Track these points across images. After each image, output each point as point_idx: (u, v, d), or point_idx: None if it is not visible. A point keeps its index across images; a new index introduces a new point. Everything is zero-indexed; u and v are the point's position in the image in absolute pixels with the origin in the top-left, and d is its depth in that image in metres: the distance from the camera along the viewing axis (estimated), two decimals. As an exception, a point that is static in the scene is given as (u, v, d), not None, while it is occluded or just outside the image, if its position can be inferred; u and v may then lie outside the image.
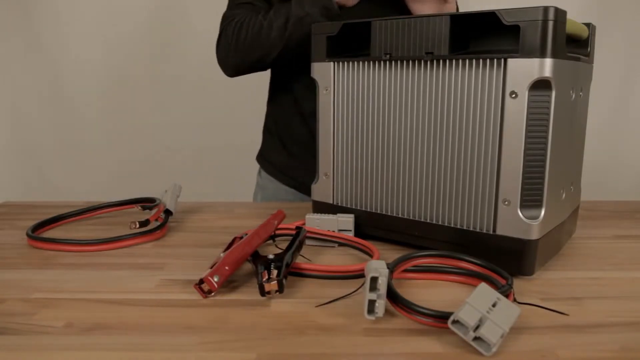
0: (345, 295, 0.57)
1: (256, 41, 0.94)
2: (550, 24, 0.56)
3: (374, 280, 0.50)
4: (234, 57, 0.99)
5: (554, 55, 0.57)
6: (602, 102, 1.84)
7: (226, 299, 0.57)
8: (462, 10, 0.64)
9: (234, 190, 1.59)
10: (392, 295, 0.52)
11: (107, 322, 0.52)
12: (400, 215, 0.71)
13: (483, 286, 0.50)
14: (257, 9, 1.00)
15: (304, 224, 0.76)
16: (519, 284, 0.61)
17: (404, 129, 0.69)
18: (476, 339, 0.46)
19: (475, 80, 0.62)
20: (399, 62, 0.68)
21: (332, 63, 0.74)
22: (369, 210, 0.74)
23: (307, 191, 1.10)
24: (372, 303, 0.51)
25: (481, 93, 0.62)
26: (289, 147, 1.11)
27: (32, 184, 2.01)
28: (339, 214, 0.76)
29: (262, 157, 1.19)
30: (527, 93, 0.58)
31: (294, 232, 0.74)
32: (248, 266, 0.66)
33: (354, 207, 0.76)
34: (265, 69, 1.04)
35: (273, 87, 1.15)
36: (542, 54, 0.57)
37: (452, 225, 0.66)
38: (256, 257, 0.61)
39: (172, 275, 0.64)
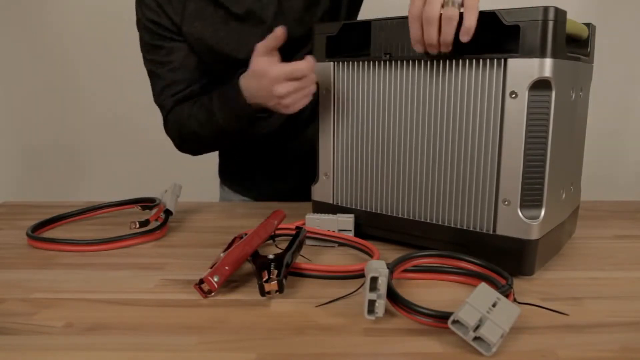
0: (345, 295, 0.57)
1: (201, 142, 0.93)
2: (550, 24, 0.56)
3: (374, 280, 0.50)
4: (190, 148, 0.97)
5: (554, 55, 0.57)
6: (602, 102, 1.84)
7: (226, 299, 0.57)
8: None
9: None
10: (392, 295, 0.52)
11: (107, 322, 0.52)
12: (400, 215, 0.71)
13: (483, 286, 0.50)
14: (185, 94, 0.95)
15: (304, 224, 0.76)
16: (519, 284, 0.61)
17: (404, 129, 0.69)
18: (476, 339, 0.46)
19: (475, 80, 0.62)
20: (399, 62, 0.68)
21: (332, 63, 0.74)
22: (369, 210, 0.74)
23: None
24: (372, 303, 0.51)
25: (481, 93, 0.62)
26: (245, 164, 1.11)
27: (32, 184, 2.01)
28: (339, 214, 0.76)
29: (221, 172, 1.18)
30: (527, 93, 0.58)
31: (294, 232, 0.74)
32: (248, 266, 0.66)
33: (354, 207, 0.76)
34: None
35: None
36: (542, 54, 0.57)
37: (452, 225, 0.66)
38: (256, 257, 0.61)
39: (172, 275, 0.64)
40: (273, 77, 0.74)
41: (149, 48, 0.94)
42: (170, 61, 0.93)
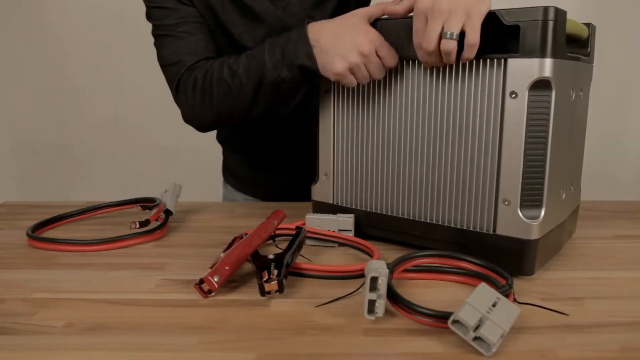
0: (345, 295, 0.57)
1: (227, 101, 0.81)
2: (550, 24, 0.56)
3: (374, 280, 0.50)
4: (206, 114, 0.85)
5: (554, 55, 0.57)
6: (602, 102, 1.85)
7: (226, 299, 0.57)
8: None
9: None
10: (392, 295, 0.52)
11: (107, 322, 0.52)
12: (400, 215, 0.71)
13: (483, 286, 0.50)
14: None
15: (304, 224, 0.76)
16: (519, 284, 0.61)
17: (404, 129, 0.69)
18: (476, 339, 0.46)
19: (476, 80, 0.62)
20: (399, 62, 0.68)
21: (332, 63, 0.74)
22: (369, 210, 0.74)
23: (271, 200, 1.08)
24: (372, 303, 0.51)
25: (481, 93, 0.62)
26: (251, 160, 1.09)
27: (32, 184, 2.01)
28: (339, 214, 0.76)
29: (226, 171, 1.17)
30: (527, 93, 0.58)
31: (294, 232, 0.74)
32: (248, 266, 0.66)
33: (354, 207, 0.76)
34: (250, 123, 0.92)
35: None
36: (542, 54, 0.57)
37: (452, 225, 0.66)
38: (256, 257, 0.61)
39: (172, 275, 0.64)
40: (369, 33, 0.68)
41: (160, 12, 0.87)
42: (185, 22, 0.86)
